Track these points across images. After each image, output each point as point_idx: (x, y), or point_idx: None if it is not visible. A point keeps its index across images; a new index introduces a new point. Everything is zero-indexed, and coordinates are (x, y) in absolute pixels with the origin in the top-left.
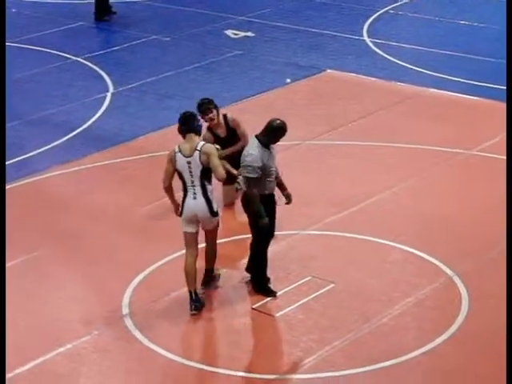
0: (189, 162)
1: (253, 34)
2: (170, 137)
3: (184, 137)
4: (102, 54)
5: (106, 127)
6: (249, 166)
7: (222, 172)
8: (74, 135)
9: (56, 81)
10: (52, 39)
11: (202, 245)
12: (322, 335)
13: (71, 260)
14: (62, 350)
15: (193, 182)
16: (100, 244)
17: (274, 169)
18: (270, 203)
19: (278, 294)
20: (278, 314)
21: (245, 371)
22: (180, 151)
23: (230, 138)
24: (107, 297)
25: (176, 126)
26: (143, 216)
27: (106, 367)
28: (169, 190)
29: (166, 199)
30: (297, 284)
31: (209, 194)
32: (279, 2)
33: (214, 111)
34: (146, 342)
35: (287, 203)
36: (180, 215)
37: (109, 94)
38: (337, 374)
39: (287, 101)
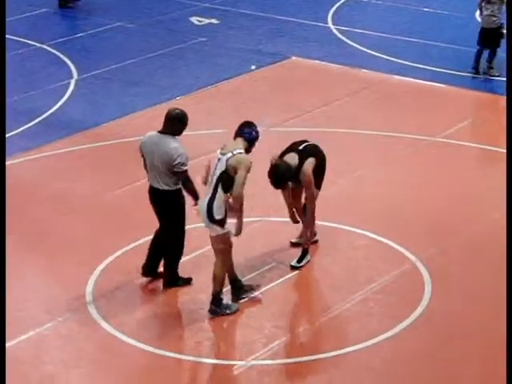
0: (219, 159)
1: (217, 21)
2: (134, 123)
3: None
4: (66, 40)
5: (71, 114)
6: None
7: (239, 190)
8: (38, 122)
9: (20, 68)
10: (16, 26)
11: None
12: (286, 321)
13: (35, 247)
14: (24, 337)
15: (211, 180)
16: (64, 231)
17: None
18: None
19: (243, 279)
20: (241, 301)
21: (209, 358)
22: (222, 148)
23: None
24: (71, 284)
25: (141, 112)
26: (107, 203)
27: (69, 354)
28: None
29: (131, 186)
30: (260, 271)
31: (216, 199)
32: None
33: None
34: (109, 329)
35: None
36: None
37: (73, 81)
38: (300, 359)
39: (252, 88)
